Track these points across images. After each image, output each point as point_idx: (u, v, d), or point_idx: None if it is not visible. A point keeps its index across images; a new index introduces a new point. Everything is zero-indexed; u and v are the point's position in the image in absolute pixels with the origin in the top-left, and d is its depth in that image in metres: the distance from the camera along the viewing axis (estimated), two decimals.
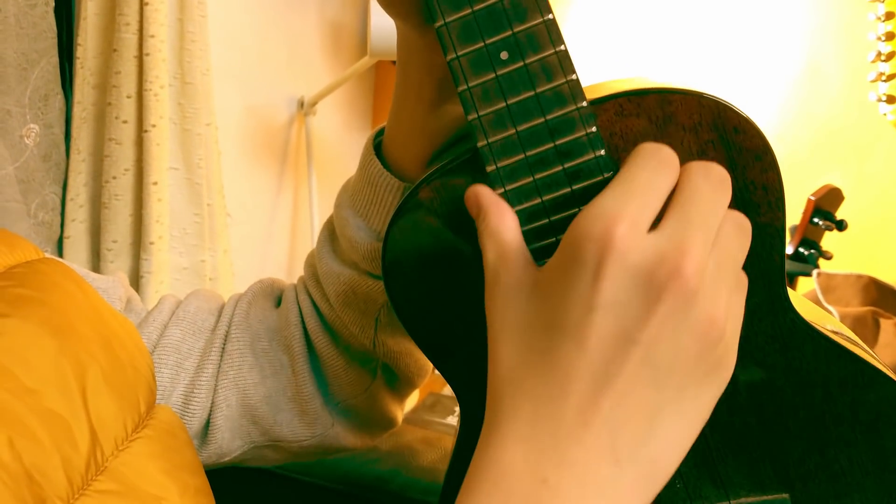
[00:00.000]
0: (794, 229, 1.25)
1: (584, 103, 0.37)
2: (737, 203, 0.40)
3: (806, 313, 0.44)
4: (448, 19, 0.36)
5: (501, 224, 0.35)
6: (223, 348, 0.53)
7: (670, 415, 0.31)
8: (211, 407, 0.52)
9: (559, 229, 0.38)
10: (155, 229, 1.05)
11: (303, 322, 0.54)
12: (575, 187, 0.37)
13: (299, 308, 0.54)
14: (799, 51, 1.48)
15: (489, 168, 0.38)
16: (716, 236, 0.32)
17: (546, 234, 0.38)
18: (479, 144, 0.37)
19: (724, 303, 0.31)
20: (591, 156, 0.37)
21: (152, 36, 0.98)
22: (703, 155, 0.39)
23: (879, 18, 1.00)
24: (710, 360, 0.31)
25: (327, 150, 1.82)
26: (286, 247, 1.71)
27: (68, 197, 1.06)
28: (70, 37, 1.02)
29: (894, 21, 1.00)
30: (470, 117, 0.37)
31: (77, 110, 1.04)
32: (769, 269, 0.41)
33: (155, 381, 0.49)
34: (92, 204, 1.08)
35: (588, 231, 0.31)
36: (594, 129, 0.37)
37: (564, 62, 0.36)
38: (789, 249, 1.23)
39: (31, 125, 0.99)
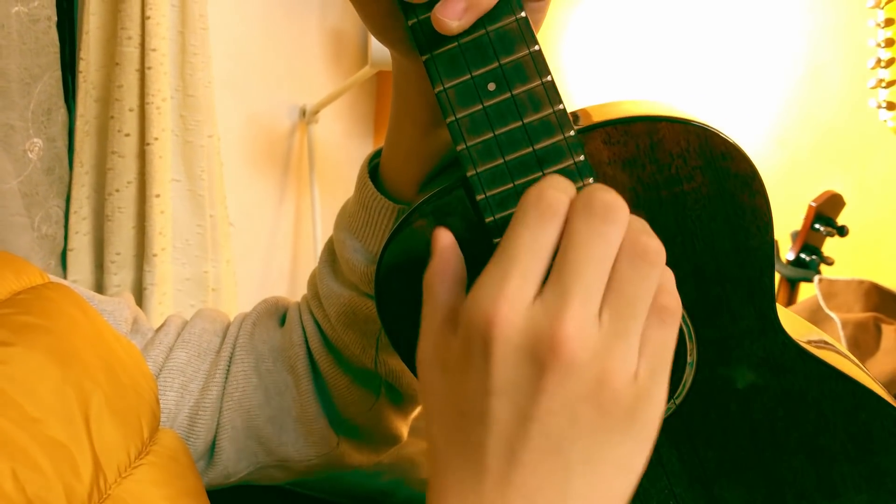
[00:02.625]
0: (796, 235, 1.25)
1: (572, 132, 0.37)
2: (725, 228, 0.40)
3: (794, 329, 0.44)
4: (435, 52, 0.36)
5: (434, 281, 0.35)
6: (228, 370, 0.53)
7: (583, 475, 0.31)
8: (217, 429, 0.53)
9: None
10: (158, 241, 1.06)
11: (307, 342, 0.54)
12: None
13: (303, 328, 0.54)
14: (799, 56, 1.48)
15: (479, 197, 0.38)
16: (610, 279, 0.31)
17: None
18: (468, 174, 0.38)
19: (624, 350, 0.31)
20: (580, 184, 0.38)
21: (154, 49, 0.99)
22: (690, 181, 0.39)
23: (879, 25, 1.00)
24: (617, 413, 0.31)
25: (329, 159, 1.83)
26: (289, 255, 1.72)
27: (72, 210, 1.07)
28: (73, 51, 1.03)
29: (894, 27, 1.00)
30: (459, 148, 0.37)
31: (80, 124, 1.04)
32: (758, 291, 0.41)
33: (159, 405, 0.49)
34: (95, 216, 1.09)
35: (472, 318, 0.31)
36: (582, 157, 0.37)
37: (551, 92, 0.37)
38: (790, 255, 1.23)
39: (35, 139, 0.99)
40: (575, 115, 0.41)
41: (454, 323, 0.34)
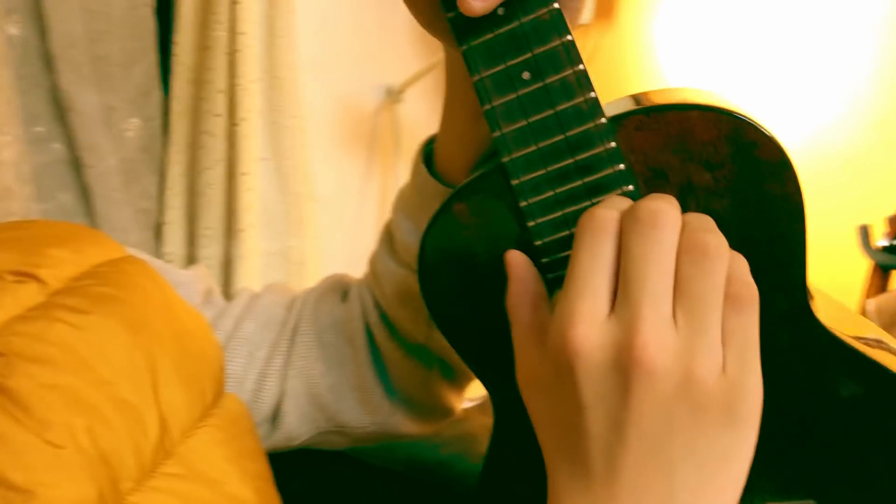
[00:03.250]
0: (892, 220, 1.19)
1: (603, 120, 0.38)
2: (755, 216, 0.40)
3: (843, 323, 0.43)
4: (472, 43, 0.38)
5: (518, 303, 0.37)
6: (292, 340, 0.57)
7: (687, 470, 0.32)
8: (280, 395, 0.56)
9: None
10: (244, 217, 1.11)
11: (365, 317, 0.57)
12: (594, 200, 0.39)
13: (362, 304, 0.57)
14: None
15: (514, 182, 0.40)
16: (676, 281, 0.32)
17: (568, 245, 0.40)
18: (504, 160, 0.39)
19: (705, 346, 0.32)
20: (611, 170, 0.39)
21: (242, 33, 1.04)
22: (720, 168, 0.39)
23: None
24: (712, 410, 0.32)
25: (415, 138, 1.85)
26: (373, 232, 1.76)
27: (166, 186, 1.14)
28: (169, 36, 1.09)
29: None
30: (495, 134, 0.39)
31: (174, 104, 1.11)
32: (791, 278, 0.41)
33: (223, 372, 0.53)
34: (188, 192, 1.15)
35: (554, 342, 0.33)
36: (613, 144, 0.38)
37: (582, 81, 0.38)
38: (884, 242, 1.18)
39: (132, 119, 1.06)
40: (637, 97, 0.42)
41: (543, 342, 0.35)
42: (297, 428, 0.58)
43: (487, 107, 0.38)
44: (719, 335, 0.32)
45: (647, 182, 0.40)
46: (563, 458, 0.35)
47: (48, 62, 1.00)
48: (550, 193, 0.39)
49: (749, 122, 0.38)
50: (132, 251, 0.54)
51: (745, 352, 0.33)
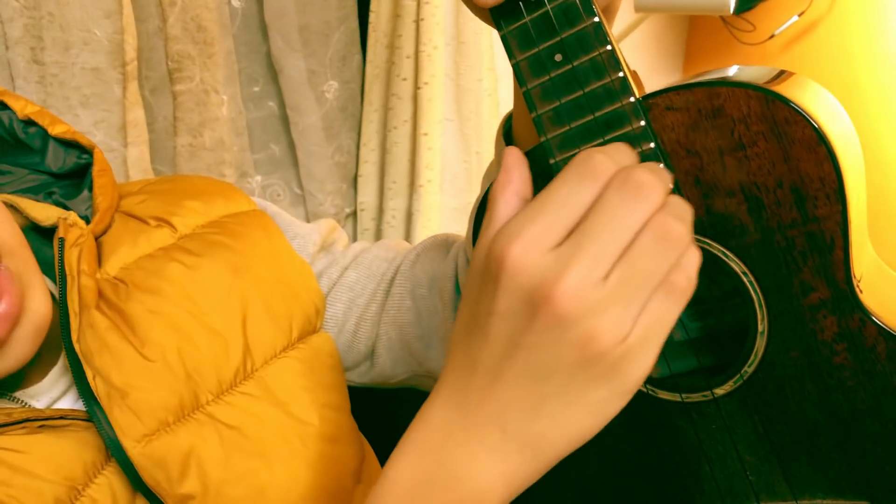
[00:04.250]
0: None
1: (632, 98, 0.39)
2: (791, 196, 0.40)
3: (891, 313, 0.42)
4: (508, 28, 0.40)
5: (500, 192, 0.38)
6: (388, 291, 0.64)
7: (556, 406, 0.35)
8: (375, 338, 0.64)
9: None
10: (424, 174, 1.20)
11: (457, 275, 0.61)
12: None
13: (456, 262, 0.62)
14: None
15: (551, 161, 0.42)
16: (628, 250, 0.33)
17: None
18: (541, 139, 0.42)
19: (622, 316, 0.33)
20: (641, 149, 0.40)
21: (427, 2, 1.11)
22: (753, 146, 0.39)
23: None
24: (598, 367, 0.34)
25: None
26: None
27: (362, 142, 1.26)
28: (366, 4, 1.19)
29: None
30: (532, 115, 0.41)
31: (370, 68, 1.22)
32: (830, 263, 0.40)
33: (317, 315, 0.61)
34: (380, 149, 1.27)
35: (492, 249, 0.35)
36: (643, 122, 0.40)
37: (610, 61, 0.39)
38: None
39: (331, 82, 1.19)
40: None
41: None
42: (391, 368, 0.64)
43: (524, 88, 0.41)
44: (638, 311, 0.34)
45: (680, 161, 0.41)
46: (460, 354, 0.38)
47: (264, 30, 1.14)
48: None
49: (780, 98, 0.38)
50: (264, 206, 0.63)
51: (654, 333, 0.34)
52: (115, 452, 0.46)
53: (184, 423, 0.49)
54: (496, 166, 0.55)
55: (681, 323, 0.49)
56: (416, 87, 1.17)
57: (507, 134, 0.55)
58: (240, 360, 0.53)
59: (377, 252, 0.66)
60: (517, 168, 0.38)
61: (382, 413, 0.68)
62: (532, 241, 0.34)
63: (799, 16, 1.41)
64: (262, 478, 0.51)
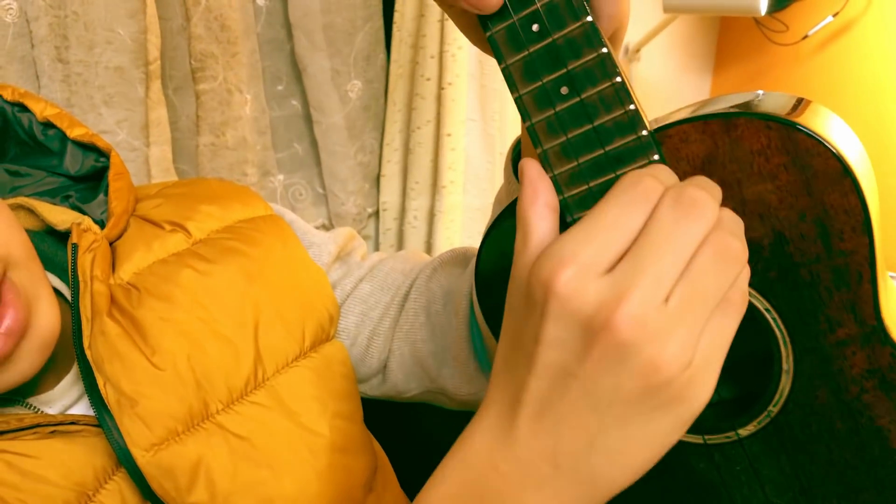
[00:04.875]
0: None
1: (645, 132, 0.37)
2: (815, 229, 0.38)
3: None
4: (510, 62, 0.37)
5: (531, 207, 0.36)
6: (402, 305, 0.62)
7: (613, 438, 0.33)
8: (388, 353, 0.62)
9: None
10: (447, 174, 1.20)
11: (471, 292, 0.59)
12: None
13: (471, 279, 0.60)
14: None
15: (560, 197, 0.40)
16: (687, 269, 0.32)
17: None
18: (549, 175, 0.40)
19: (685, 340, 0.31)
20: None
21: None
22: (774, 179, 0.38)
23: None
24: (662, 396, 0.32)
25: (652, 96, 1.81)
26: None
27: (385, 142, 1.26)
28: (391, 4, 1.18)
29: None
30: (538, 151, 0.38)
31: (394, 68, 1.21)
32: (858, 298, 0.39)
33: (331, 323, 0.60)
34: (404, 149, 1.26)
35: (538, 273, 0.33)
36: (656, 156, 0.38)
37: (621, 93, 0.37)
38: None
39: (355, 81, 1.18)
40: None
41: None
42: (403, 383, 0.63)
43: (528, 123, 0.38)
44: (700, 332, 0.32)
45: None
46: (504, 377, 0.35)
47: (288, 29, 1.14)
48: None
49: (801, 130, 0.37)
50: (281, 212, 0.63)
51: (715, 353, 0.33)
52: (124, 460, 0.46)
53: (193, 432, 0.49)
54: (505, 192, 0.54)
55: None
56: (440, 88, 1.16)
57: (516, 162, 0.53)
58: (251, 368, 0.53)
59: (393, 264, 0.65)
60: (542, 179, 0.37)
61: (399, 421, 0.68)
62: (584, 264, 0.32)
63: (834, 16, 1.37)
64: (271, 489, 0.51)
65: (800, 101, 0.41)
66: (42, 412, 0.48)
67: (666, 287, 0.31)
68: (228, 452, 0.50)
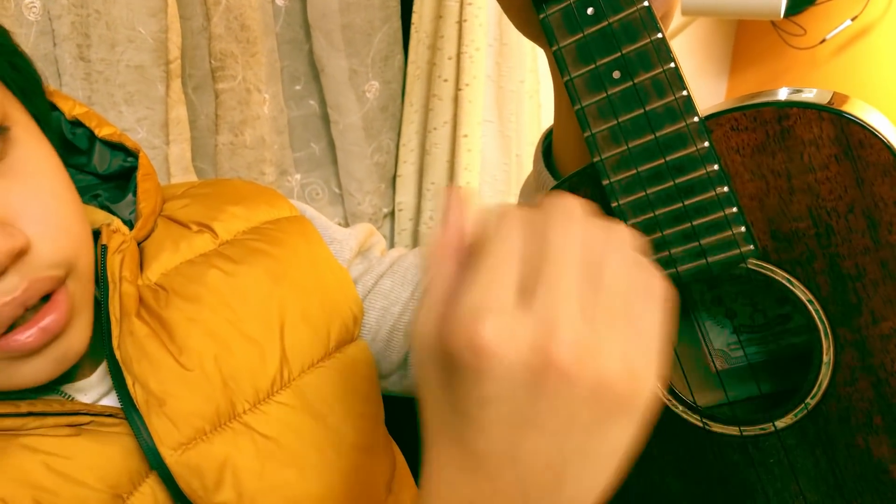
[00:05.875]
0: None
1: (696, 119, 0.38)
2: (863, 221, 0.38)
3: None
4: (562, 44, 0.39)
5: (436, 257, 0.33)
6: None
7: (578, 465, 0.32)
8: (409, 348, 0.63)
9: (672, 243, 0.40)
10: (463, 176, 1.19)
11: None
12: (687, 202, 0.39)
13: None
14: None
15: (604, 182, 0.40)
16: (589, 270, 0.31)
17: (660, 248, 0.40)
18: (594, 160, 0.40)
19: (621, 346, 0.30)
20: (704, 171, 0.38)
21: (470, 3, 1.10)
22: (824, 169, 0.37)
23: None
24: (613, 408, 0.31)
25: None
26: None
27: (401, 142, 1.25)
28: (409, 5, 1.18)
29: None
30: (585, 134, 0.40)
31: (411, 69, 1.21)
32: None
33: (355, 323, 0.60)
34: (420, 149, 1.26)
35: (455, 337, 0.30)
36: (706, 143, 0.38)
37: (673, 79, 0.37)
38: None
39: (372, 81, 1.18)
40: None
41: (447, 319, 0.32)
42: None
43: (577, 107, 0.39)
44: (632, 332, 0.31)
45: (745, 184, 0.39)
46: (449, 443, 0.33)
47: (307, 29, 1.14)
48: (642, 194, 0.39)
49: (855, 121, 0.36)
50: (302, 209, 0.62)
51: (651, 346, 0.32)
52: (152, 459, 0.46)
53: (220, 431, 0.49)
54: (534, 181, 0.54)
55: (741, 348, 0.48)
56: (457, 89, 1.16)
57: (547, 151, 0.53)
58: (276, 368, 0.53)
59: (413, 260, 0.65)
60: (455, 221, 0.33)
61: (415, 422, 0.67)
62: (498, 307, 0.30)
63: (852, 20, 1.37)
64: (296, 488, 0.51)
65: (834, 94, 0.40)
66: (75, 399, 0.48)
67: (585, 301, 0.30)
68: (255, 452, 0.50)
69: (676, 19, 1.71)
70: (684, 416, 0.44)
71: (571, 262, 0.30)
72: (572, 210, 0.31)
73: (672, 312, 0.33)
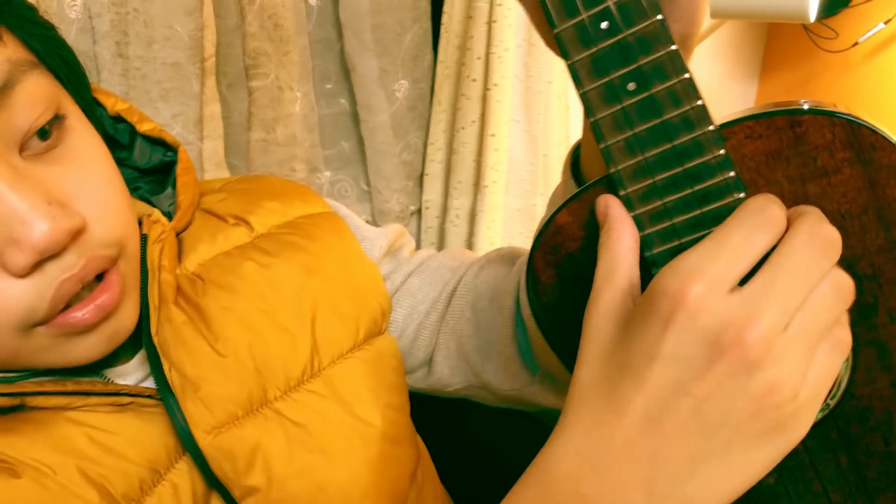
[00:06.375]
0: None
1: (711, 127, 0.38)
2: (877, 223, 0.38)
3: None
4: (576, 58, 0.38)
5: (619, 242, 0.38)
6: (449, 301, 0.64)
7: (715, 464, 0.32)
8: (433, 347, 0.64)
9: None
10: (490, 175, 1.20)
11: (517, 291, 0.61)
12: (705, 209, 0.39)
13: (518, 278, 0.61)
14: None
15: (621, 193, 0.40)
16: (807, 297, 0.32)
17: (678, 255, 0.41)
18: (611, 171, 0.40)
19: (798, 367, 0.32)
20: (721, 178, 0.38)
21: (500, 4, 1.11)
22: (837, 173, 0.38)
23: None
24: (769, 422, 0.32)
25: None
26: None
27: (429, 141, 1.27)
28: (439, 5, 1.20)
29: None
30: (601, 146, 0.39)
31: (440, 68, 1.22)
32: None
33: (383, 317, 0.61)
34: (447, 148, 1.27)
35: (666, 286, 0.33)
36: (722, 151, 0.38)
37: (689, 89, 0.38)
38: None
39: (402, 81, 1.20)
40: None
41: (634, 285, 0.36)
42: (448, 377, 0.65)
43: (592, 118, 0.39)
44: (811, 363, 0.33)
45: (759, 190, 0.40)
46: (598, 397, 0.34)
47: (339, 29, 1.16)
48: (659, 203, 0.39)
49: (865, 125, 0.37)
50: (335, 207, 0.64)
51: (821, 388, 0.33)
52: (186, 442, 0.48)
53: (252, 417, 0.51)
54: (562, 191, 0.54)
55: None
56: (486, 89, 1.17)
57: (575, 164, 0.54)
58: (307, 358, 0.54)
59: (442, 260, 0.67)
60: (627, 217, 0.39)
61: (439, 416, 0.69)
62: (714, 281, 0.32)
63: (885, 23, 1.35)
64: (324, 474, 0.52)
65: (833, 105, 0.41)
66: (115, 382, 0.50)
67: (790, 313, 0.32)
68: (285, 438, 0.51)
69: (705, 22, 1.71)
70: None
71: (800, 279, 0.32)
72: (833, 241, 0.34)
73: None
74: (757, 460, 0.33)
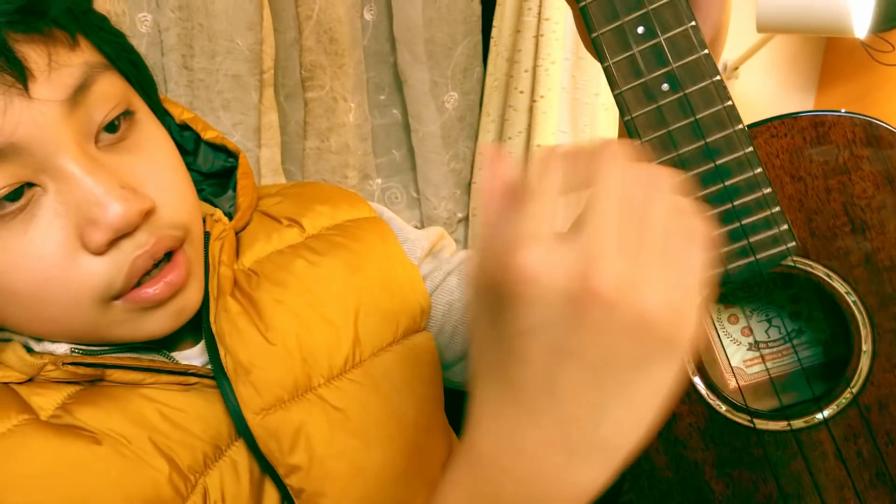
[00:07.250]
0: None
1: (741, 126, 0.40)
2: None
3: None
4: (613, 60, 0.41)
5: (489, 195, 0.34)
6: None
7: (618, 403, 0.32)
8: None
9: (722, 244, 0.42)
10: None
11: None
12: (736, 203, 0.41)
13: None
14: None
15: None
16: (635, 211, 0.31)
17: None
18: None
19: (659, 280, 0.30)
20: (753, 172, 0.41)
21: (547, 19, 1.14)
22: (857, 171, 0.40)
23: None
24: (654, 342, 0.31)
25: (751, 113, 1.78)
26: None
27: (477, 151, 1.30)
28: (489, 19, 1.23)
29: None
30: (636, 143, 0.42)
31: (489, 80, 1.25)
32: None
33: (422, 315, 0.64)
34: None
35: (502, 268, 0.31)
36: (751, 148, 0.40)
37: (720, 90, 0.40)
38: None
39: (452, 93, 1.23)
40: None
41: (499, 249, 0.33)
42: None
43: (627, 117, 0.41)
44: (673, 268, 0.31)
45: (784, 187, 0.42)
46: (493, 379, 0.34)
47: (392, 43, 1.20)
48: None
49: (884, 125, 0.39)
50: (379, 211, 0.68)
51: (693, 283, 0.31)
52: (237, 422, 0.52)
53: (296, 401, 0.54)
54: None
55: (794, 353, 0.50)
56: (533, 100, 1.20)
57: None
58: (350, 349, 0.58)
59: None
60: (499, 169, 0.35)
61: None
62: (541, 239, 0.30)
63: None
64: (361, 457, 0.55)
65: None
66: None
67: (627, 238, 0.30)
68: (326, 421, 0.54)
69: (759, 35, 1.70)
70: (728, 415, 0.46)
71: (613, 200, 0.31)
72: (617, 152, 0.32)
73: (713, 254, 0.33)
74: (657, 382, 0.32)
